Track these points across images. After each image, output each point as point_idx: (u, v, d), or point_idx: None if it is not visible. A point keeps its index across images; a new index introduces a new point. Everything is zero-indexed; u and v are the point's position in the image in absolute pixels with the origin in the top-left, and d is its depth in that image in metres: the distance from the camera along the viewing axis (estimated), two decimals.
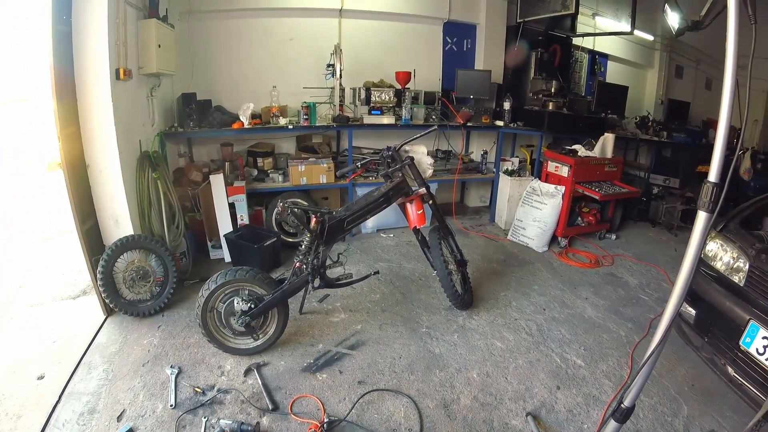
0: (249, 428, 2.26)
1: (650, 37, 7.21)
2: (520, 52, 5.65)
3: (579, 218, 5.13)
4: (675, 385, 2.76)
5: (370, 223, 5.06)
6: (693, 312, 2.57)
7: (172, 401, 2.47)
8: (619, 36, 6.48)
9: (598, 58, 7.09)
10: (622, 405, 1.61)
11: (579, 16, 5.46)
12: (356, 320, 3.36)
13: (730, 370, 2.29)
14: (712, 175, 1.38)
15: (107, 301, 3.19)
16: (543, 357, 3.01)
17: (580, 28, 5.88)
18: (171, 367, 2.73)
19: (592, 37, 6.53)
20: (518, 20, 5.52)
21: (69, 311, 3.46)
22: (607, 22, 6.15)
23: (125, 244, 3.24)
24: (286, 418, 2.40)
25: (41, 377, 2.67)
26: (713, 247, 2.59)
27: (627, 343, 3.19)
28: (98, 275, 3.12)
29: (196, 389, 2.56)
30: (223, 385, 2.63)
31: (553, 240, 4.95)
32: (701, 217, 1.42)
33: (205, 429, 2.29)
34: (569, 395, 2.65)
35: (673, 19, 1.89)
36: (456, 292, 3.37)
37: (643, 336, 3.27)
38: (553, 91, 5.33)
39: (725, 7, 1.33)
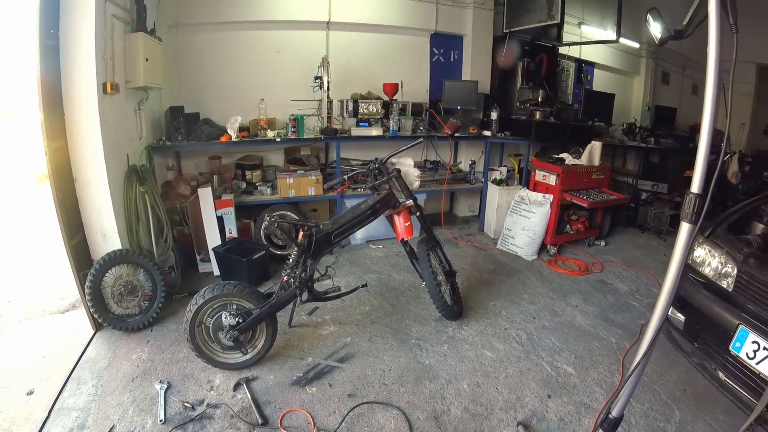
0: None
1: (636, 45, 7.33)
2: (509, 57, 5.69)
3: (568, 226, 5.16)
4: (667, 390, 2.76)
5: (359, 235, 5.04)
6: (682, 318, 2.58)
7: (162, 416, 2.44)
8: (605, 44, 6.55)
9: (584, 67, 7.17)
10: (609, 415, 1.61)
11: (565, 25, 5.51)
12: (346, 333, 3.35)
13: (720, 374, 2.29)
14: (695, 186, 1.38)
15: (96, 315, 3.16)
16: (533, 366, 3.01)
17: (567, 37, 5.94)
18: (160, 382, 2.70)
19: (578, 46, 6.60)
20: (504, 30, 5.59)
21: (58, 326, 3.42)
22: (593, 30, 6.21)
23: (113, 259, 3.21)
24: None
25: (30, 392, 2.64)
26: (701, 252, 2.60)
27: (618, 350, 3.20)
28: (86, 290, 3.09)
29: (186, 404, 2.53)
30: (213, 399, 2.60)
31: (543, 248, 4.97)
32: (684, 228, 1.42)
33: None
34: (560, 404, 2.65)
35: (656, 29, 1.90)
36: (445, 302, 3.37)
37: (634, 342, 3.28)
38: (540, 100, 5.36)
39: (707, 16, 1.34)
